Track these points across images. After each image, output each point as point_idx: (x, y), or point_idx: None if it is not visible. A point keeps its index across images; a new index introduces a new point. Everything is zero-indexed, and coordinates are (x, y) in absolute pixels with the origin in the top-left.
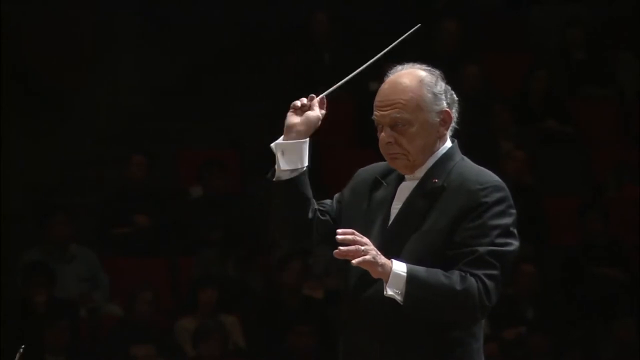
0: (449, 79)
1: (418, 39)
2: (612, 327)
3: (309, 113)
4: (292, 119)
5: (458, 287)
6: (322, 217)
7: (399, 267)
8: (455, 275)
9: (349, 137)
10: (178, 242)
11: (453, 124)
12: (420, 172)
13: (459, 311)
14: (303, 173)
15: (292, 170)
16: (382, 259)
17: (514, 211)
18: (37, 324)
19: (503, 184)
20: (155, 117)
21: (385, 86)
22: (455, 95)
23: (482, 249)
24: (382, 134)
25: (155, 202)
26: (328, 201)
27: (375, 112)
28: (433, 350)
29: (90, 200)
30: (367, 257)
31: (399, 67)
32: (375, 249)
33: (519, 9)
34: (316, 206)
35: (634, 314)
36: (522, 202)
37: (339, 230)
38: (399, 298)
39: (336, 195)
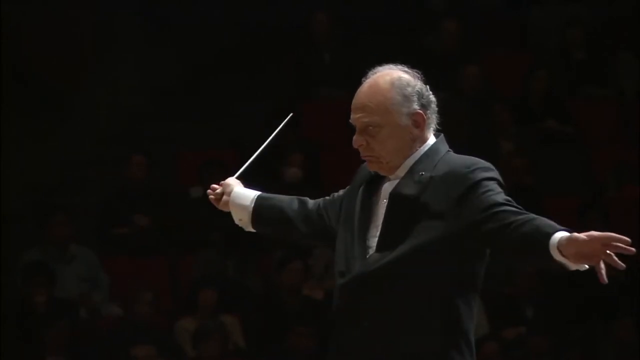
0: (449, 79)
1: (418, 39)
2: (612, 327)
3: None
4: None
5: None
6: (311, 214)
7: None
8: (532, 217)
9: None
10: (178, 242)
11: (434, 125)
12: (402, 171)
13: None
14: (255, 209)
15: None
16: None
17: (505, 189)
18: (37, 324)
19: (491, 165)
20: (155, 117)
21: (359, 89)
22: (432, 97)
23: (498, 198)
24: (354, 137)
25: (155, 202)
26: (330, 196)
27: (351, 115)
28: (423, 344)
29: (90, 200)
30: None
31: (379, 69)
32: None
33: (519, 9)
34: (294, 209)
35: (634, 314)
36: (522, 202)
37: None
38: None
39: (343, 190)
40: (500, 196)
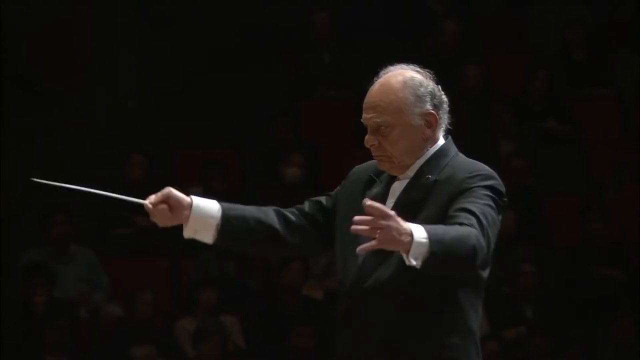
0: (449, 79)
1: (418, 40)
2: (612, 327)
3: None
4: (164, 219)
5: (461, 230)
6: (297, 222)
7: (420, 235)
8: (456, 226)
9: (348, 137)
10: (178, 242)
11: (444, 125)
12: (412, 171)
13: (467, 256)
14: (223, 220)
15: (216, 231)
16: (401, 236)
17: (504, 199)
18: (37, 324)
19: (495, 174)
20: (155, 117)
21: (371, 88)
22: (444, 97)
23: (468, 204)
24: (366, 137)
25: None
26: (322, 198)
27: (362, 114)
28: (430, 347)
29: (90, 200)
30: (382, 239)
31: (391, 68)
32: (396, 221)
33: (519, 9)
34: (271, 220)
35: (634, 314)
36: (522, 202)
37: (366, 204)
38: (416, 264)
39: (333, 192)
40: (477, 206)
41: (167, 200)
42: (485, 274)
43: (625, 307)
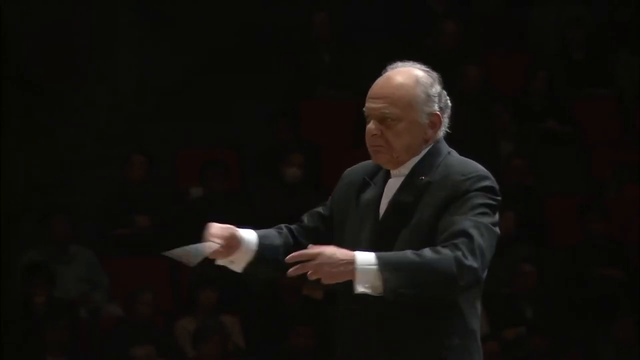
0: (449, 79)
1: (418, 39)
2: (612, 327)
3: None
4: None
5: (429, 256)
6: (304, 242)
7: (365, 261)
8: (426, 250)
9: (348, 137)
10: (178, 242)
11: (444, 129)
12: (406, 169)
13: (437, 280)
14: (258, 252)
15: (248, 263)
16: (340, 267)
17: (498, 198)
18: (37, 324)
19: (488, 174)
20: (155, 117)
21: (380, 79)
22: (449, 102)
23: (460, 219)
24: (369, 125)
25: (155, 202)
26: (320, 209)
27: (366, 104)
28: (431, 348)
29: (90, 200)
30: (322, 278)
31: (399, 64)
32: (328, 255)
33: (519, 9)
34: (285, 239)
35: (634, 314)
36: (522, 202)
37: (287, 258)
38: (369, 292)
39: (328, 200)
40: (469, 219)
41: (231, 240)
42: (484, 274)
43: (625, 307)
